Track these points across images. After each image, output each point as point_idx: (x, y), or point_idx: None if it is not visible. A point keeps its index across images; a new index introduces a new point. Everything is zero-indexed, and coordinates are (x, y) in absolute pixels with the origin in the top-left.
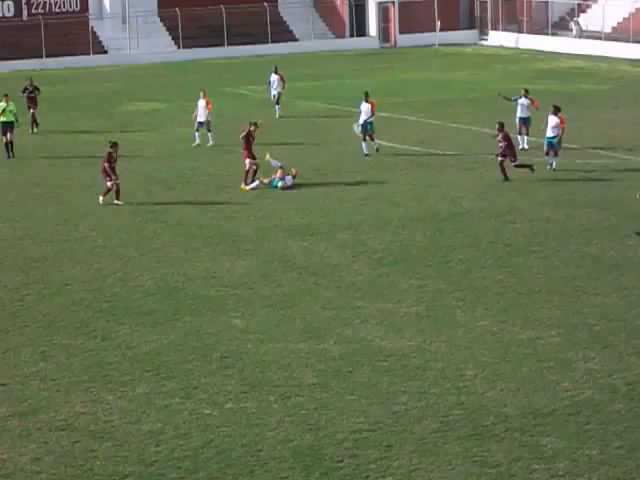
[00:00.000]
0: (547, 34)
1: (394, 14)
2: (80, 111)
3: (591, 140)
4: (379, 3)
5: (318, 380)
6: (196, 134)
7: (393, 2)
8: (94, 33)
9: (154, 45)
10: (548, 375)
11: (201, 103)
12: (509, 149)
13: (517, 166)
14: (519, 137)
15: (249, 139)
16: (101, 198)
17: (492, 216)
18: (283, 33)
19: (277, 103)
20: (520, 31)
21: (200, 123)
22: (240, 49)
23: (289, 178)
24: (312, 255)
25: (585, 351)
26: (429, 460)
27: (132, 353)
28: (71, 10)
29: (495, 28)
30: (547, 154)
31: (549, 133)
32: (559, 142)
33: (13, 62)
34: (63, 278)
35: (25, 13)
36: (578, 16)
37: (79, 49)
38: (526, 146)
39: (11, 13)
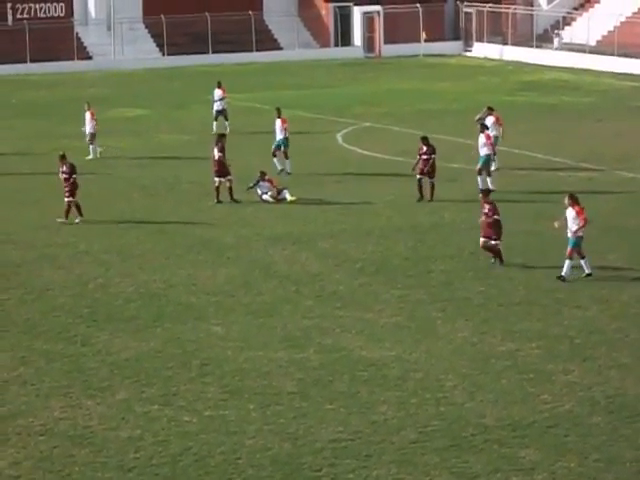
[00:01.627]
0: (532, 46)
1: (379, 24)
2: (63, 117)
3: (574, 153)
4: (364, 13)
5: (297, 389)
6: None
7: (378, 12)
8: (79, 39)
9: (139, 51)
10: (528, 387)
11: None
12: (428, 165)
13: (432, 186)
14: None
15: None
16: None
17: (474, 227)
18: (268, 41)
19: (215, 119)
20: (505, 43)
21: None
22: (224, 57)
23: (285, 191)
24: (293, 264)
25: (565, 364)
26: (408, 470)
27: (112, 359)
28: (56, 15)
29: (480, 40)
30: (479, 173)
31: (482, 151)
32: (489, 161)
33: None
34: (44, 283)
35: (10, 18)
36: (563, 29)
37: (63, 55)
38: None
39: None
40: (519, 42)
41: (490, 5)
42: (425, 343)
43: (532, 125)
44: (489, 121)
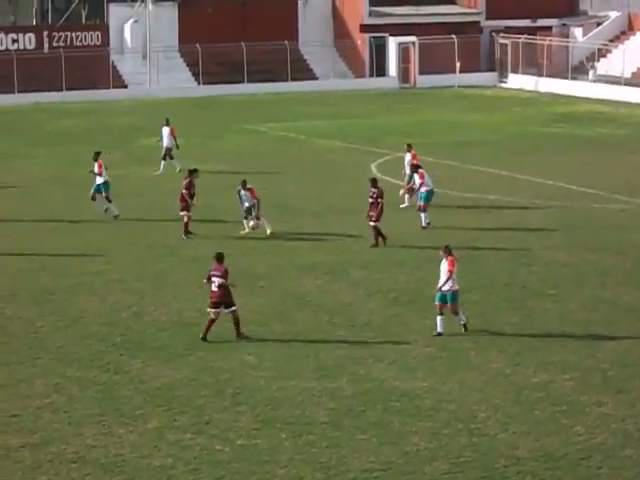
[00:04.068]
0: (567, 78)
1: (414, 55)
2: (98, 144)
3: (608, 184)
4: (399, 44)
5: (330, 418)
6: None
7: (413, 43)
8: (114, 67)
9: (174, 80)
10: (561, 419)
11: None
12: (375, 208)
13: (374, 228)
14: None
15: (190, 188)
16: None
17: (507, 259)
18: (303, 71)
19: (164, 159)
20: (540, 74)
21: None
22: (260, 86)
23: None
24: (326, 293)
25: (598, 396)
26: None
27: (145, 387)
28: (92, 44)
29: (515, 71)
30: (424, 210)
31: (422, 189)
32: (429, 197)
33: (33, 94)
34: (77, 311)
35: (46, 46)
36: (598, 61)
37: (99, 83)
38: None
39: (32, 45)
40: (554, 74)
41: (525, 36)
42: (458, 374)
43: (567, 157)
44: (407, 159)
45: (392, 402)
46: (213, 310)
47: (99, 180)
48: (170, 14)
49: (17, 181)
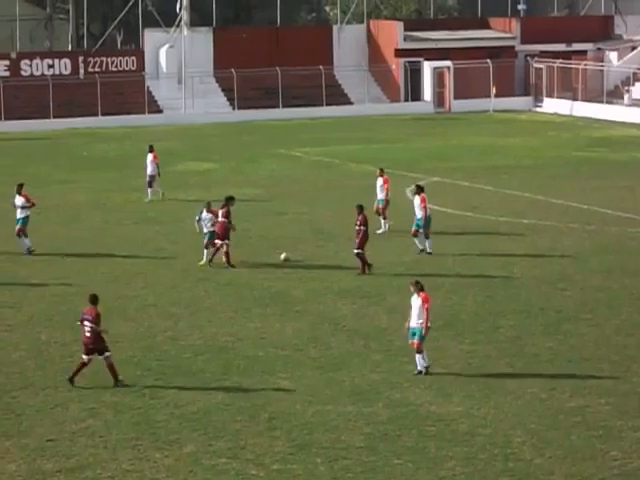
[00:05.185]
0: (602, 102)
1: (449, 79)
2: (133, 169)
3: None
4: (434, 68)
5: (365, 443)
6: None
7: (448, 67)
8: (150, 92)
9: (209, 105)
10: (597, 443)
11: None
12: (359, 234)
13: (358, 255)
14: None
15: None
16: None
17: (543, 283)
18: (338, 96)
19: (150, 186)
20: (575, 99)
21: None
22: (295, 111)
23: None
24: (362, 318)
25: (635, 420)
26: None
27: (180, 412)
28: (127, 69)
29: (550, 95)
30: (415, 235)
31: (417, 214)
32: (427, 223)
33: (68, 120)
34: (113, 335)
35: (82, 71)
36: (633, 85)
37: (134, 108)
38: (379, 231)
39: (68, 71)
40: (589, 98)
41: (561, 61)
42: (493, 398)
43: (602, 181)
44: (378, 183)
45: (428, 427)
46: (86, 357)
47: (21, 214)
48: (205, 39)
49: (54, 206)
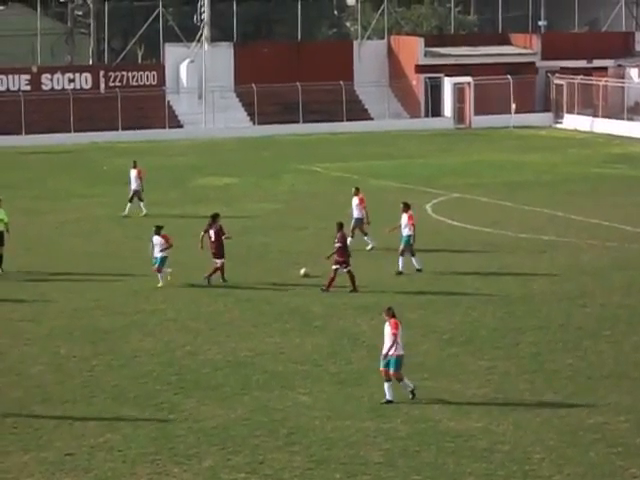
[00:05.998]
0: (622, 119)
1: (469, 95)
2: (153, 184)
3: None
4: (454, 84)
5: (384, 459)
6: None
7: (469, 83)
8: (170, 107)
9: (230, 120)
10: (616, 460)
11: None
12: (343, 253)
13: (348, 272)
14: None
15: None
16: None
17: (563, 299)
18: (358, 111)
19: (130, 201)
20: (595, 115)
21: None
22: (315, 126)
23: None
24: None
25: None
26: None
27: (199, 426)
28: (148, 84)
29: (570, 112)
30: (402, 254)
31: (404, 232)
32: (412, 241)
33: (89, 134)
34: (132, 350)
35: (102, 86)
36: None
37: (155, 123)
38: (368, 247)
39: (88, 85)
40: (610, 114)
41: (581, 77)
42: (513, 415)
43: (622, 198)
44: (354, 202)
45: (447, 443)
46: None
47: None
48: (226, 54)
49: (75, 220)
